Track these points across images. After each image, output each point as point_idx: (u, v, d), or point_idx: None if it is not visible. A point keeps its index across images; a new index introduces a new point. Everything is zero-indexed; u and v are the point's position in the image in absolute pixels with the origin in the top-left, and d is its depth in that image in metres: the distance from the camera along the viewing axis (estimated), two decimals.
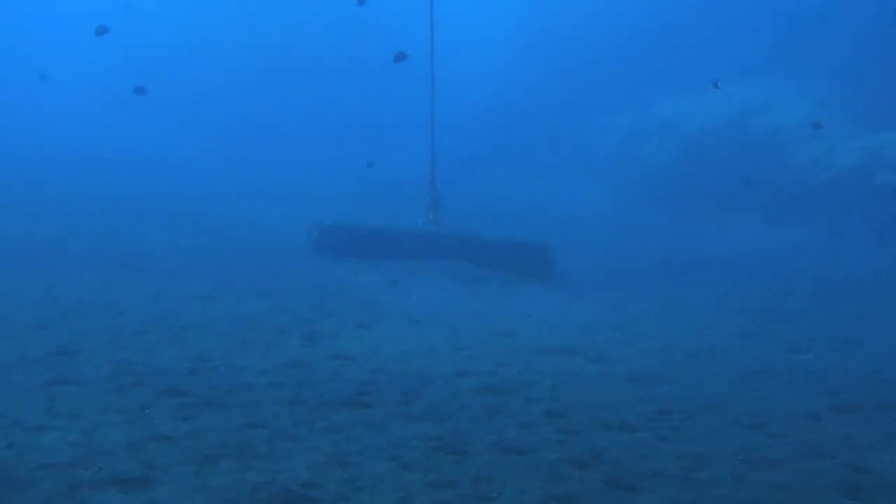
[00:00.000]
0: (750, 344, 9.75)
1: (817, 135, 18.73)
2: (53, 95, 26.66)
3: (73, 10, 29.12)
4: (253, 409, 6.32)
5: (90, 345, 7.79)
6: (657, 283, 13.65)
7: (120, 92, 24.32)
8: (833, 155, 18.23)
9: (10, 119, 24.31)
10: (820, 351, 9.48)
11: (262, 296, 10.73)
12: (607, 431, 6.23)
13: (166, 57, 28.06)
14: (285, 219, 15.76)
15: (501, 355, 8.62)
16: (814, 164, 18.38)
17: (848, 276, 14.01)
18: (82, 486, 4.74)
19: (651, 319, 11.16)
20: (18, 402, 6.08)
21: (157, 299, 9.98)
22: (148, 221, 14.56)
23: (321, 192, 18.21)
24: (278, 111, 25.77)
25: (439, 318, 10.49)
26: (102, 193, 16.29)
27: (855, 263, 14.80)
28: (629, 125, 22.24)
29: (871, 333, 10.47)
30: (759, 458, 5.80)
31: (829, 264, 14.98)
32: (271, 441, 5.66)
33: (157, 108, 25.83)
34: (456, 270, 13.22)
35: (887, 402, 7.43)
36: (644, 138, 21.71)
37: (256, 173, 20.13)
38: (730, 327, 10.69)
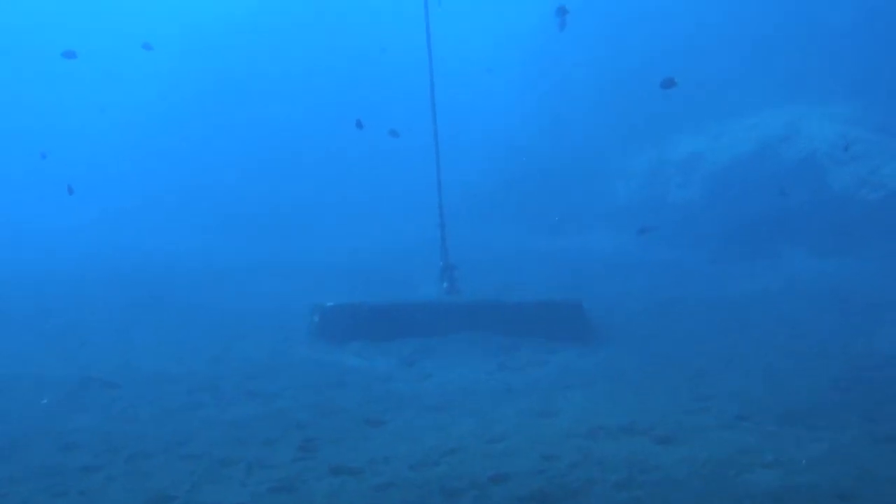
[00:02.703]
0: (851, 398, 7.88)
1: (858, 155, 17.19)
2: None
3: None
4: None
5: (19, 496, 6.05)
6: (710, 332, 11.83)
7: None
8: (879, 175, 16.65)
9: None
10: None
11: (251, 398, 9.00)
12: None
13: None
14: (281, 303, 14.06)
15: (547, 445, 6.83)
16: (859, 187, 16.81)
17: None
18: None
19: (715, 376, 9.34)
20: None
21: (123, 420, 8.25)
22: (123, 326, 12.81)
23: (319, 272, 16.56)
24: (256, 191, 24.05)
25: (465, 402, 8.75)
26: (68, 292, 14.71)
27: None
28: (649, 165, 20.69)
29: None
30: None
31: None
32: None
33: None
34: (479, 342, 11.47)
35: None
36: (666, 177, 20.15)
37: (246, 258, 18.46)
38: (817, 378, 8.84)
